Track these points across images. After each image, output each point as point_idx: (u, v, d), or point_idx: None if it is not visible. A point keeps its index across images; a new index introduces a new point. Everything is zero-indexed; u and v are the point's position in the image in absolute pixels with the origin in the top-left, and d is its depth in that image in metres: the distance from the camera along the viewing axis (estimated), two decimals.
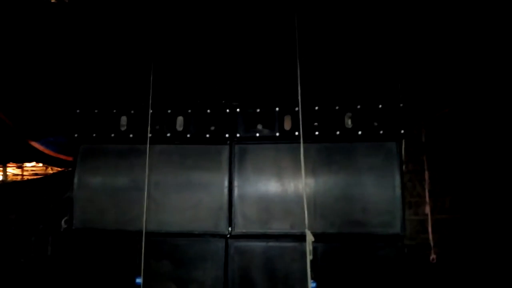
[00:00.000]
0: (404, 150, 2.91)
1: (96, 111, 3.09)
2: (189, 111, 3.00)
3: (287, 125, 2.91)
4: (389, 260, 2.76)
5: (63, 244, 3.07)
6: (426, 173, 3.84)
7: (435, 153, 5.14)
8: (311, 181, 2.82)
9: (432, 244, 3.92)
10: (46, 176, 5.46)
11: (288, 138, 2.88)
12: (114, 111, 3.07)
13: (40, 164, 5.63)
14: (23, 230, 4.95)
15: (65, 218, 3.03)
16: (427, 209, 3.75)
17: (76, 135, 3.08)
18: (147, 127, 2.90)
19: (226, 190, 2.89)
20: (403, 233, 2.76)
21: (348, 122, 2.88)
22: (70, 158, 3.58)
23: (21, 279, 4.75)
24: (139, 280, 2.78)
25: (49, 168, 5.66)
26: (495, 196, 5.35)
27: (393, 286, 2.74)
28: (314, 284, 2.57)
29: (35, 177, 5.57)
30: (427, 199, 3.83)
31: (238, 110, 2.96)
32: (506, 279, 4.72)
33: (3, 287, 4.61)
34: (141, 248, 2.72)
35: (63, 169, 5.18)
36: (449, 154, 5.62)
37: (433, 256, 3.78)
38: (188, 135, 2.97)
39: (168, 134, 2.99)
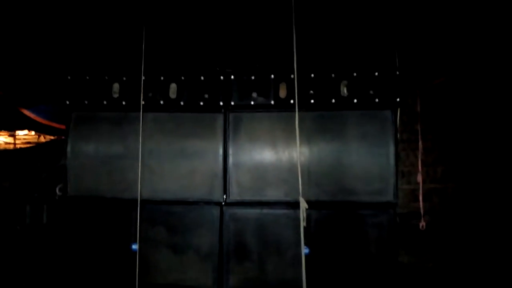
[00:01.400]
0: (399, 120, 2.91)
1: (87, 77, 3.03)
2: (182, 78, 2.94)
3: (282, 93, 2.88)
4: (381, 227, 2.81)
5: (59, 212, 3.07)
6: (420, 142, 3.86)
7: (429, 123, 5.17)
8: (305, 149, 2.83)
9: (422, 212, 3.99)
10: (39, 144, 5.43)
11: (283, 106, 2.86)
12: (106, 77, 3.01)
13: (33, 133, 5.57)
14: (17, 198, 4.97)
15: (60, 185, 3.02)
16: (419, 178, 3.80)
17: (67, 102, 3.03)
18: (140, 94, 2.85)
19: (220, 158, 2.89)
20: (396, 200, 2.80)
21: (344, 90, 2.86)
22: (62, 126, 3.55)
23: (17, 246, 4.81)
24: (135, 247, 2.82)
25: (42, 137, 5.61)
26: (487, 166, 5.44)
27: (384, 252, 2.80)
28: (307, 250, 2.61)
29: (27, 145, 5.53)
30: (419, 168, 3.87)
31: (232, 77, 2.92)
32: (493, 246, 4.87)
33: (0, 254, 4.67)
34: (137, 216, 2.74)
35: (55, 137, 5.15)
36: (443, 124, 5.66)
37: (423, 223, 3.85)
38: (182, 103, 2.93)
39: (162, 102, 2.95)
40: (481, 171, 5.62)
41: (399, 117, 2.91)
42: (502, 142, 5.35)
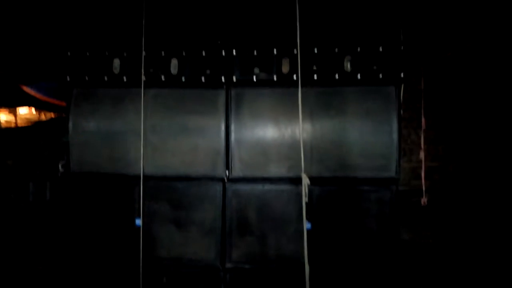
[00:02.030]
0: (402, 96, 2.88)
1: (87, 53, 2.99)
2: (184, 53, 2.90)
3: (285, 69, 2.84)
4: (383, 203, 2.83)
5: (62, 188, 3.09)
6: (423, 119, 3.84)
7: (431, 102, 5.13)
8: (308, 126, 2.81)
9: (424, 188, 4.01)
10: (40, 122, 5.41)
11: (286, 82, 2.83)
12: (106, 53, 2.97)
13: (33, 110, 5.54)
14: (20, 176, 5.00)
15: (62, 162, 3.03)
16: (422, 155, 3.80)
17: (68, 79, 3.00)
18: (141, 70, 2.83)
19: (223, 135, 2.88)
20: (398, 176, 2.80)
21: (347, 66, 2.82)
22: (62, 103, 3.53)
23: (21, 223, 4.86)
24: (138, 222, 2.85)
25: (42, 114, 5.58)
26: (489, 145, 5.43)
27: (386, 227, 2.83)
28: (309, 225, 2.64)
29: (28, 123, 5.52)
30: (422, 145, 3.86)
31: (234, 52, 2.88)
32: (493, 223, 4.91)
33: (4, 231, 4.73)
34: (139, 191, 2.75)
35: (56, 114, 5.13)
36: (445, 102, 5.61)
37: (424, 199, 3.88)
38: (183, 79, 2.90)
39: (163, 78, 2.92)
40: (482, 150, 5.61)
41: (402, 95, 2.88)
42: (504, 121, 5.32)
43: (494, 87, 5.28)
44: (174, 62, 2.91)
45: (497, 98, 5.31)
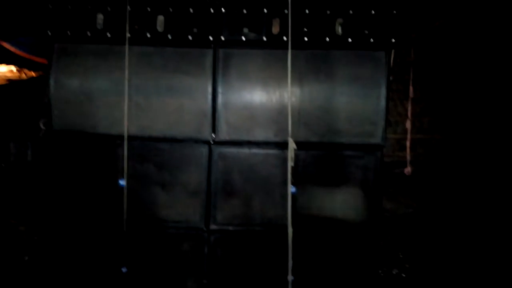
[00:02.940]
0: (391, 66, 2.85)
1: (69, 7, 2.86)
2: (171, 10, 2.80)
3: (275, 29, 2.77)
4: (368, 169, 2.85)
5: (43, 148, 3.01)
6: (411, 88, 3.84)
7: (418, 74, 5.11)
8: (296, 90, 2.78)
9: (409, 158, 4.06)
10: (22, 81, 5.25)
11: (276, 43, 2.76)
12: (89, 7, 2.84)
13: (14, 69, 5.35)
14: (1, 135, 4.88)
15: (43, 120, 2.94)
16: (408, 124, 3.82)
17: (49, 33, 2.87)
18: (125, 26, 2.72)
19: (209, 96, 2.82)
20: (383, 143, 2.81)
21: (339, 29, 2.76)
22: (43, 61, 3.40)
23: (3, 183, 4.79)
24: (122, 183, 2.82)
25: (23, 74, 5.40)
26: (474, 118, 5.49)
27: (369, 193, 2.86)
28: (293, 189, 2.65)
29: (8, 83, 5.34)
30: (409, 114, 3.88)
31: (223, 10, 2.78)
32: (474, 196, 5.03)
33: None
34: (123, 152, 2.71)
35: (38, 73, 4.97)
36: (432, 75, 5.61)
37: (408, 169, 3.93)
38: (170, 37, 2.81)
39: (148, 35, 2.82)
40: (467, 123, 5.67)
41: (390, 67, 2.85)
42: (490, 95, 5.36)
43: (481, 62, 5.28)
44: (160, 19, 2.81)
45: (483, 73, 5.32)
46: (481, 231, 4.49)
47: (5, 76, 5.49)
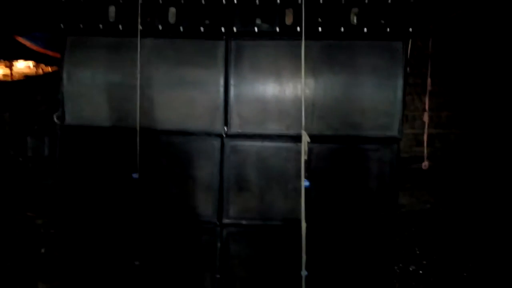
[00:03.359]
0: (408, 57, 2.76)
1: (82, 0, 2.86)
2: (182, 1, 2.76)
3: (289, 20, 2.71)
4: (384, 163, 2.77)
5: (58, 142, 3.03)
6: (429, 80, 3.72)
7: (437, 67, 4.98)
8: (310, 81, 2.72)
9: (426, 152, 3.95)
10: (39, 76, 5.32)
11: (289, 34, 2.70)
12: (101, 0, 2.83)
13: (31, 65, 5.43)
14: (18, 130, 4.95)
15: (57, 113, 2.95)
16: (426, 117, 3.70)
17: (62, 26, 2.88)
18: (137, 18, 2.70)
19: (221, 89, 2.79)
20: (400, 136, 2.73)
21: (354, 19, 2.69)
22: (58, 55, 3.42)
23: (20, 177, 4.87)
24: (135, 176, 2.81)
25: (40, 69, 5.47)
26: (493, 113, 5.33)
27: (385, 187, 2.79)
28: (307, 183, 2.60)
29: (25, 78, 5.42)
30: (427, 107, 3.76)
31: (235, 1, 2.73)
32: (492, 193, 4.90)
33: (4, 185, 4.74)
34: (136, 145, 2.70)
35: (55, 68, 5.03)
36: (451, 68, 5.46)
37: (425, 163, 3.82)
38: (181, 29, 2.78)
39: (160, 27, 2.79)
40: (486, 118, 5.51)
41: (408, 60, 2.76)
42: (510, 89, 5.20)
43: (502, 53, 5.11)
44: (172, 11, 2.78)
45: (503, 66, 5.15)
46: (499, 228, 4.37)
47: (23, 72, 5.57)
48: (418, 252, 4.07)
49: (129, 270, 2.90)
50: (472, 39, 5.22)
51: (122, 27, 2.82)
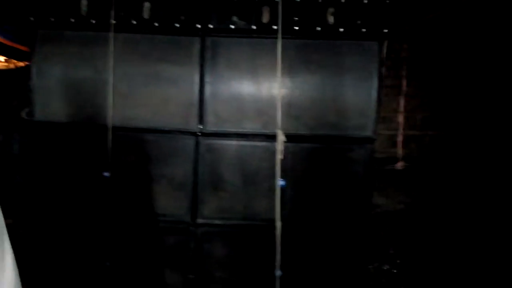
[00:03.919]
0: (383, 58, 2.78)
1: None
2: None
3: (265, 18, 2.69)
4: (359, 163, 2.78)
5: (27, 139, 2.92)
6: (404, 81, 3.77)
7: (413, 69, 5.05)
8: (287, 80, 2.70)
9: (401, 154, 4.01)
10: (9, 70, 5.14)
11: (266, 32, 2.68)
12: None
13: (2, 60, 5.24)
14: None
15: (26, 110, 2.85)
16: (401, 118, 3.75)
17: (32, 19, 2.78)
18: (111, 13, 2.63)
19: (197, 86, 2.74)
20: (375, 136, 2.75)
21: (330, 18, 2.69)
22: (28, 49, 3.30)
23: None
24: (107, 174, 2.74)
25: (12, 64, 5.29)
26: (469, 115, 5.44)
27: (360, 187, 2.80)
28: (282, 182, 2.59)
29: None
30: (402, 108, 3.81)
31: None
32: (466, 193, 4.99)
33: None
34: (108, 142, 2.63)
35: (25, 63, 4.87)
36: (427, 70, 5.56)
37: (400, 163, 3.87)
38: (156, 24, 2.72)
39: (134, 22, 2.72)
40: (462, 120, 5.62)
41: (386, 59, 2.78)
42: (485, 91, 5.31)
43: (477, 56, 5.23)
44: (146, 6, 2.72)
45: (480, 68, 5.27)
46: (473, 228, 4.45)
47: None
48: (392, 251, 4.11)
49: (100, 271, 2.83)
50: (448, 41, 5.32)
51: (95, 21, 2.74)
